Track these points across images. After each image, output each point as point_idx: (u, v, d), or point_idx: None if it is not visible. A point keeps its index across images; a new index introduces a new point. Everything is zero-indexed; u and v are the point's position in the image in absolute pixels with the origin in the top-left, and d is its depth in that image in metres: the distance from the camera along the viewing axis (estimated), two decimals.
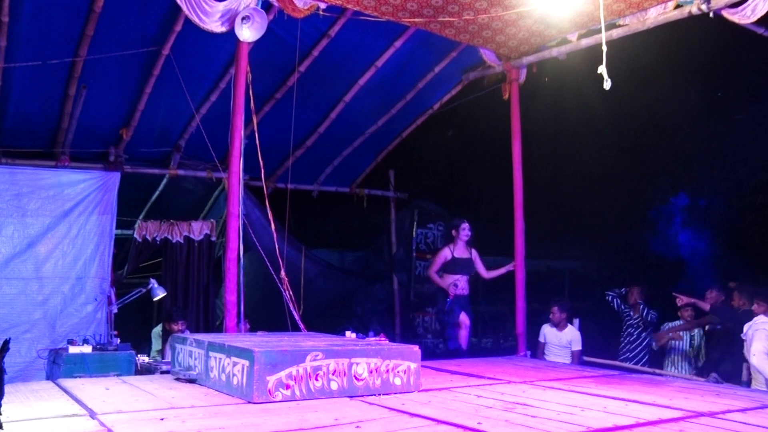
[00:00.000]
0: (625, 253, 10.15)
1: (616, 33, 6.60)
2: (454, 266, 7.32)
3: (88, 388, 4.44)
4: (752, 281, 6.72)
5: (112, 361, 5.85)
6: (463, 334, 7.28)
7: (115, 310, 6.75)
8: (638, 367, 7.07)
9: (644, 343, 7.51)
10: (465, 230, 7.38)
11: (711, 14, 5.92)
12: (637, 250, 9.69)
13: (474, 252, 7.48)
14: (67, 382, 4.74)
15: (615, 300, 7.75)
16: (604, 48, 5.03)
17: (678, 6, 6.16)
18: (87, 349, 5.82)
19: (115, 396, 4.14)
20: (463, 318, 7.23)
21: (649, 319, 7.58)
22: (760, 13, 5.58)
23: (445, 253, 7.36)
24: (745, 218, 9.29)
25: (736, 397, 4.68)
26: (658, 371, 6.62)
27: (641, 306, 7.57)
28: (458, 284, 7.25)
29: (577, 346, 7.42)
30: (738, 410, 4.08)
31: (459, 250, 7.37)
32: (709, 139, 9.08)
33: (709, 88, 9.11)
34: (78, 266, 7.38)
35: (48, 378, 5.88)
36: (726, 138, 8.91)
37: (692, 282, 7.96)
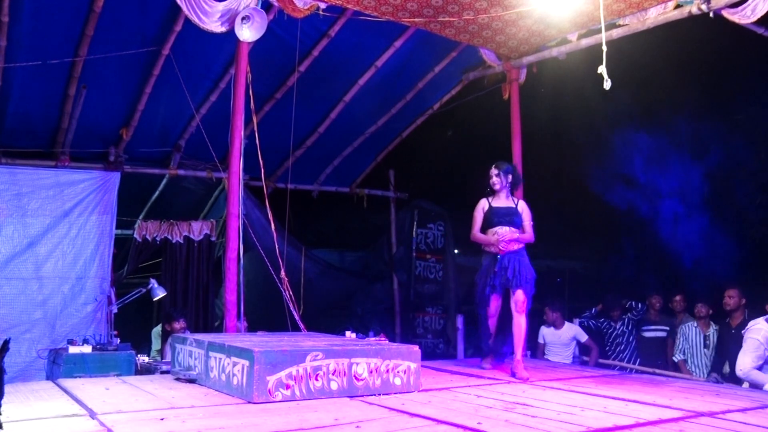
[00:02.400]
0: (624, 253, 10.14)
1: (616, 33, 6.60)
2: (491, 216, 5.92)
3: (88, 388, 4.43)
4: (752, 281, 6.69)
5: (112, 361, 5.85)
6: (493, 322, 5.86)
7: (115, 310, 6.75)
8: (638, 367, 7.08)
9: (633, 347, 7.51)
10: (490, 177, 6.03)
11: (711, 14, 5.92)
12: (637, 250, 9.68)
13: (522, 203, 6.06)
14: (67, 382, 4.74)
15: (590, 322, 7.73)
16: (604, 48, 5.03)
17: (678, 6, 6.17)
18: (87, 349, 5.82)
19: (115, 396, 4.14)
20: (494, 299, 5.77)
21: (637, 318, 7.57)
22: (760, 13, 5.58)
23: (482, 204, 5.99)
24: (744, 218, 9.28)
25: (736, 397, 4.68)
26: (658, 371, 6.62)
27: (632, 310, 7.56)
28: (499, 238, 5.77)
29: (584, 337, 7.46)
30: (738, 410, 4.08)
31: (498, 200, 5.97)
32: (709, 139, 9.07)
33: (709, 88, 9.09)
34: (78, 266, 7.40)
35: (48, 378, 5.88)
36: (726, 138, 8.89)
37: (693, 282, 7.95)
